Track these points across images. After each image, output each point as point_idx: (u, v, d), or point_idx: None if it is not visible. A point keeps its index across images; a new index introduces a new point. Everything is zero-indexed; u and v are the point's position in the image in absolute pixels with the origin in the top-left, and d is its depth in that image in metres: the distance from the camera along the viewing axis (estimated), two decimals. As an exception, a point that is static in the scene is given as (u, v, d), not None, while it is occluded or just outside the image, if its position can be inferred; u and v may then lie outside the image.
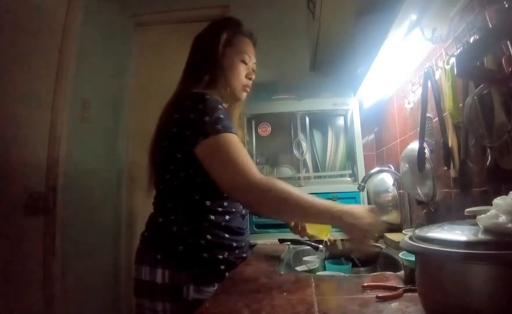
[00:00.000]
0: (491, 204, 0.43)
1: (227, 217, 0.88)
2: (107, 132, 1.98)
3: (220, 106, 0.84)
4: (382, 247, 1.16)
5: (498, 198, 0.43)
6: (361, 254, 0.97)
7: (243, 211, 0.95)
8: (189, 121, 0.82)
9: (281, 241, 1.30)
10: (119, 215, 2.04)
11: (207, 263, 0.82)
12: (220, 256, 0.85)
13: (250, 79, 1.01)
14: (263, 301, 0.59)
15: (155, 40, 2.26)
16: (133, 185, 2.12)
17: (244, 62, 0.99)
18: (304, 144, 1.63)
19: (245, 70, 1.00)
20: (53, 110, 1.50)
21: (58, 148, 1.50)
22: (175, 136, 0.85)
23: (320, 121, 1.72)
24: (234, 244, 0.89)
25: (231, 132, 0.82)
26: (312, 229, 0.98)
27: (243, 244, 0.93)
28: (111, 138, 2.03)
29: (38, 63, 1.45)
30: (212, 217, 0.86)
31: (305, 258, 1.15)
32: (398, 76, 1.32)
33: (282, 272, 0.85)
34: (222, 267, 0.85)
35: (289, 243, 1.26)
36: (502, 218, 0.39)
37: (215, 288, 0.79)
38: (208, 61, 0.95)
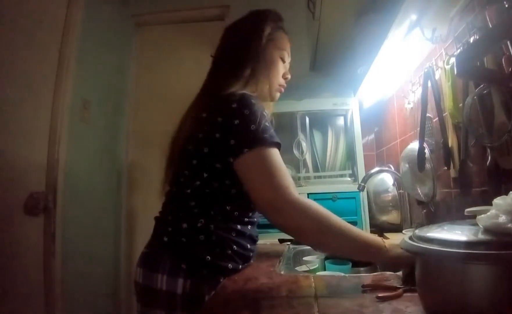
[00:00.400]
0: (491, 204, 0.43)
1: (249, 226, 0.86)
2: (107, 132, 1.98)
3: (265, 113, 0.78)
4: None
5: (498, 198, 0.43)
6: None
7: (258, 220, 0.91)
8: (234, 128, 0.75)
9: (281, 241, 1.30)
10: (119, 215, 2.04)
11: (230, 273, 0.78)
12: (241, 266, 0.82)
13: (286, 78, 0.96)
14: (263, 301, 0.59)
15: (155, 40, 2.26)
16: (133, 185, 2.12)
17: (283, 59, 0.94)
18: (304, 144, 1.63)
19: (283, 69, 0.94)
20: (53, 110, 1.50)
21: (58, 148, 1.50)
22: (218, 142, 0.77)
23: (320, 121, 1.72)
24: (251, 254, 0.86)
25: (275, 144, 0.76)
26: None
27: (253, 254, 0.89)
28: (111, 138, 2.03)
29: (38, 63, 1.45)
30: (239, 227, 0.82)
31: (305, 258, 1.15)
32: (398, 76, 1.32)
33: (282, 272, 0.85)
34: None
35: (289, 243, 1.26)
36: (502, 218, 0.40)
37: None
38: (249, 54, 0.86)
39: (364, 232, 0.74)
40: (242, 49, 0.87)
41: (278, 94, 0.96)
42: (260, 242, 1.39)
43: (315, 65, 1.81)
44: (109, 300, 1.90)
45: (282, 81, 0.95)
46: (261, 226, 1.49)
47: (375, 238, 0.72)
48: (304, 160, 1.64)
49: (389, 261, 0.70)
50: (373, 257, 0.74)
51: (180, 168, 0.84)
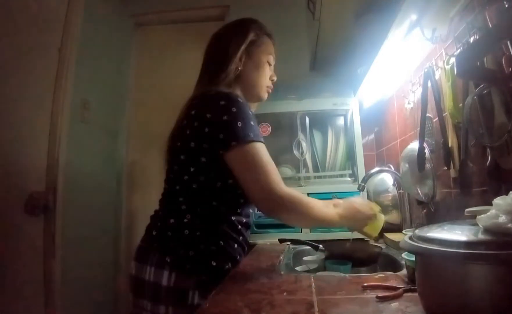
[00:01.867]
0: (491, 204, 0.43)
1: (239, 227, 0.88)
2: (107, 132, 1.98)
3: (250, 112, 0.85)
4: (382, 247, 1.16)
5: (498, 198, 0.43)
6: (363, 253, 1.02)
7: (250, 223, 0.95)
8: (222, 123, 0.80)
9: (281, 241, 1.30)
10: (119, 215, 2.04)
11: (214, 271, 0.81)
12: (226, 266, 0.84)
13: (272, 80, 1.02)
14: (263, 301, 0.59)
15: (155, 40, 2.26)
16: (133, 185, 2.12)
17: (269, 62, 1.00)
18: (304, 144, 1.63)
19: (269, 72, 1.01)
20: (53, 110, 1.51)
21: (58, 148, 1.50)
22: (206, 137, 0.82)
23: (320, 121, 1.72)
24: (238, 257, 0.89)
25: (261, 141, 0.82)
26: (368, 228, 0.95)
27: (241, 259, 0.92)
28: (111, 138, 2.03)
29: (38, 63, 1.45)
30: (226, 225, 0.86)
31: (305, 258, 1.15)
32: (398, 76, 1.32)
33: (282, 272, 0.85)
34: (225, 277, 0.82)
35: (289, 243, 1.26)
36: (502, 218, 0.39)
37: None
38: (234, 59, 0.93)
39: (330, 209, 0.88)
40: (225, 55, 0.94)
41: (266, 95, 1.02)
42: (260, 242, 1.40)
43: (315, 65, 1.81)
44: (109, 299, 1.90)
45: (269, 83, 1.01)
46: (261, 226, 1.50)
47: (333, 215, 0.88)
48: (304, 160, 1.64)
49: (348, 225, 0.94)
50: (338, 225, 0.94)
51: (171, 165, 0.90)
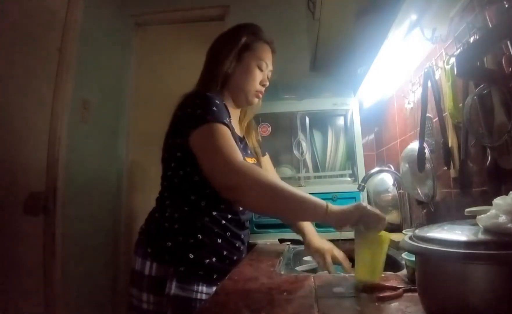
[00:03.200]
0: (491, 204, 0.43)
1: (222, 222, 0.90)
2: (107, 132, 1.98)
3: (217, 101, 0.87)
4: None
5: (498, 198, 0.43)
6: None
7: (242, 221, 0.95)
8: (185, 115, 0.86)
9: (281, 241, 1.30)
10: (119, 215, 2.04)
11: (192, 263, 0.84)
12: (207, 260, 0.85)
13: (263, 86, 1.02)
14: (263, 301, 0.59)
15: (155, 40, 2.26)
16: (133, 185, 2.12)
17: (260, 68, 1.00)
18: (304, 144, 1.63)
19: (260, 76, 1.01)
20: (53, 110, 1.51)
21: (58, 148, 1.50)
22: (177, 132, 0.88)
23: (320, 121, 1.72)
24: (225, 253, 0.89)
25: (221, 122, 0.83)
26: (363, 273, 0.69)
27: (235, 258, 0.92)
28: (111, 138, 2.03)
29: (38, 63, 1.45)
30: (207, 219, 0.88)
31: (305, 258, 1.15)
32: (398, 76, 1.32)
33: (282, 272, 0.85)
34: (210, 271, 0.85)
35: (289, 243, 1.26)
36: (502, 218, 0.40)
37: (199, 287, 0.83)
38: (223, 62, 0.96)
39: (309, 195, 0.77)
40: (217, 60, 0.98)
41: (256, 99, 1.03)
42: (260, 242, 1.40)
43: (315, 65, 1.80)
44: (109, 299, 1.90)
45: (259, 88, 1.02)
46: (261, 226, 1.50)
47: (316, 198, 0.77)
48: (304, 160, 1.64)
49: (330, 220, 0.75)
50: (315, 215, 0.78)
51: (161, 163, 0.96)
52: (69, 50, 1.57)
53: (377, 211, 0.72)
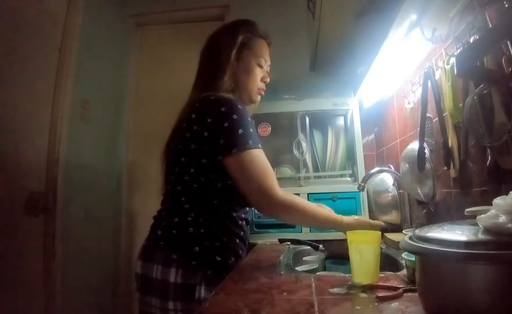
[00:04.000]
0: (491, 204, 0.43)
1: (240, 222, 0.92)
2: (107, 132, 1.98)
3: (250, 119, 0.88)
4: (382, 247, 1.16)
5: (498, 198, 0.43)
6: None
7: (249, 219, 1.00)
8: (223, 130, 0.83)
9: (281, 241, 1.30)
10: (119, 215, 2.04)
11: (219, 266, 0.85)
12: (230, 261, 0.88)
13: (265, 82, 1.03)
14: (263, 301, 0.59)
15: (155, 40, 2.26)
16: (133, 185, 2.12)
17: (260, 65, 1.00)
18: (304, 144, 1.63)
19: (261, 74, 1.01)
20: (53, 110, 1.51)
21: (58, 148, 1.50)
22: (206, 140, 0.85)
23: (320, 121, 1.72)
24: (240, 252, 0.93)
25: (259, 148, 0.86)
26: (357, 275, 0.70)
27: (243, 253, 0.96)
28: (111, 138, 2.03)
29: (38, 63, 1.45)
30: (228, 222, 0.90)
31: (305, 258, 1.15)
32: (398, 76, 1.32)
33: (282, 272, 0.85)
34: (229, 271, 0.85)
35: (289, 243, 1.26)
36: (502, 218, 0.40)
37: None
38: (225, 64, 0.95)
39: (328, 212, 0.97)
40: (217, 60, 0.96)
41: (259, 97, 1.04)
42: (260, 242, 1.40)
43: (315, 65, 1.80)
44: (109, 299, 1.90)
45: (261, 85, 1.02)
46: (261, 226, 1.50)
47: (335, 216, 0.97)
48: (304, 160, 1.64)
49: (345, 227, 0.93)
50: (334, 225, 0.97)
51: (172, 167, 0.92)
52: (69, 50, 1.57)
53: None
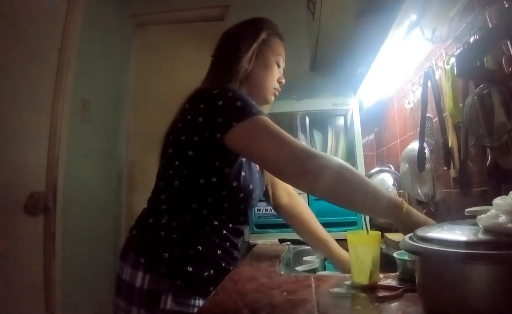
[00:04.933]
0: (491, 204, 0.43)
1: (224, 232, 0.83)
2: (107, 132, 1.98)
3: (246, 97, 0.80)
4: (382, 247, 1.16)
5: (498, 198, 0.43)
6: None
7: (241, 230, 0.90)
8: (219, 108, 0.76)
9: (281, 241, 1.30)
10: (119, 215, 2.04)
11: (190, 276, 0.77)
12: (205, 273, 0.79)
13: (280, 83, 0.99)
14: (263, 301, 0.59)
15: (155, 40, 2.26)
16: (133, 185, 2.12)
17: (278, 64, 0.97)
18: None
19: (277, 73, 0.97)
20: (53, 110, 1.50)
21: (58, 148, 1.50)
22: (200, 127, 0.77)
23: (320, 121, 1.72)
24: (223, 264, 0.83)
25: (266, 116, 0.77)
26: (355, 276, 0.68)
27: (231, 268, 0.85)
28: (111, 138, 2.03)
29: (38, 63, 1.45)
30: (207, 229, 0.81)
31: (305, 258, 1.15)
32: (398, 76, 1.32)
33: (282, 272, 0.85)
34: (207, 284, 0.79)
35: (289, 243, 1.26)
36: (502, 218, 0.40)
37: (196, 301, 0.77)
38: (244, 58, 0.89)
39: (383, 190, 0.74)
40: (238, 51, 0.89)
41: (272, 97, 0.99)
42: (260, 242, 1.40)
43: (315, 65, 1.80)
44: (109, 300, 1.90)
45: (277, 85, 0.98)
46: (261, 226, 1.50)
47: (396, 198, 0.72)
48: (304, 160, 1.64)
49: (403, 224, 0.70)
50: (391, 213, 0.71)
51: (161, 159, 0.86)
52: (69, 50, 1.57)
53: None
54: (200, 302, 0.78)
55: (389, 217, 0.74)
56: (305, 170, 0.71)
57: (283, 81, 0.99)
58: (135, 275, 0.77)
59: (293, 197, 1.08)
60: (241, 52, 0.89)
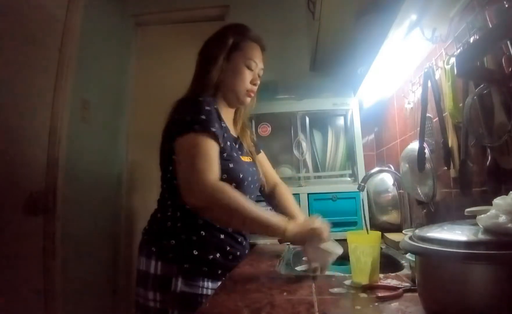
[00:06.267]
0: (491, 204, 0.43)
1: None
2: (107, 132, 1.98)
3: (207, 107, 0.87)
4: (382, 247, 1.16)
5: (498, 198, 0.43)
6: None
7: None
8: (174, 121, 0.89)
9: (281, 241, 1.29)
10: (119, 215, 2.04)
11: (196, 260, 0.86)
12: (211, 256, 0.88)
13: (255, 84, 1.02)
14: (263, 301, 0.59)
15: (155, 40, 2.26)
16: (133, 185, 2.12)
17: (249, 67, 1.00)
18: (304, 144, 1.63)
19: (250, 76, 1.00)
20: (53, 110, 1.50)
21: (58, 148, 1.50)
22: (169, 137, 0.89)
23: (320, 121, 1.72)
24: (228, 248, 0.91)
25: (207, 132, 0.83)
26: (355, 276, 0.70)
27: (238, 253, 0.95)
28: (111, 138, 2.03)
29: (38, 63, 1.45)
30: None
31: (305, 258, 1.15)
32: (398, 76, 1.32)
33: (282, 272, 0.85)
34: (214, 267, 0.88)
35: (289, 243, 1.26)
36: (502, 218, 0.40)
37: (205, 283, 0.86)
38: (214, 65, 0.97)
39: (268, 214, 0.83)
40: (207, 62, 0.99)
41: (248, 99, 1.03)
42: (260, 242, 1.40)
43: (315, 65, 1.80)
44: (109, 299, 1.90)
45: (250, 87, 1.01)
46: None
47: (277, 220, 0.83)
48: (304, 160, 1.64)
49: (288, 240, 0.83)
50: (274, 234, 0.84)
51: (160, 164, 0.98)
52: (69, 50, 1.57)
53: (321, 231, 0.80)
54: (209, 284, 0.87)
55: (274, 237, 0.86)
56: (197, 206, 0.81)
57: (258, 82, 1.03)
58: (149, 263, 0.87)
59: (278, 186, 1.18)
60: (210, 64, 0.97)
